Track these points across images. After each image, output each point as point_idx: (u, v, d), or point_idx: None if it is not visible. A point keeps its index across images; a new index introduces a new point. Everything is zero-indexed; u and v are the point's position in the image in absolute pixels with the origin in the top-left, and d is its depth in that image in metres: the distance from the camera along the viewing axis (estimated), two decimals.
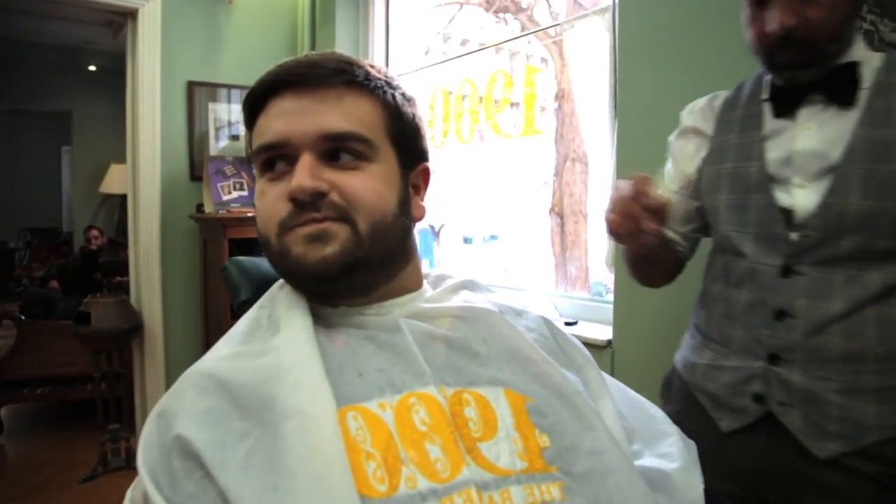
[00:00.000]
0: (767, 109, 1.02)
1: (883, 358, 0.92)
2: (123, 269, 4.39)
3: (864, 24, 1.33)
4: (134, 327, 2.93)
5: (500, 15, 3.71)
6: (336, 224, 0.66)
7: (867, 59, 0.95)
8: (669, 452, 0.76)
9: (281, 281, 0.75)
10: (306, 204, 0.65)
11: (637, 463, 0.73)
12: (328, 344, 0.66)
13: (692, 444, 0.80)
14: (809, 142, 0.95)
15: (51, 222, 8.11)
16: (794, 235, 0.95)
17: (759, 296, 0.99)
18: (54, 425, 3.75)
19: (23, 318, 3.55)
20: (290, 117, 0.67)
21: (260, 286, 0.73)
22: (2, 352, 3.41)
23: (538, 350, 0.73)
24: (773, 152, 0.99)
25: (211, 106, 3.16)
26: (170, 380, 3.12)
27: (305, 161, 0.66)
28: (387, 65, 3.19)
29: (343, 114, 0.68)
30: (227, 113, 3.21)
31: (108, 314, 2.81)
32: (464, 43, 3.67)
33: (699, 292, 1.18)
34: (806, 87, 0.96)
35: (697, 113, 1.14)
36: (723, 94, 1.12)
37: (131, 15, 2.98)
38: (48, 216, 8.13)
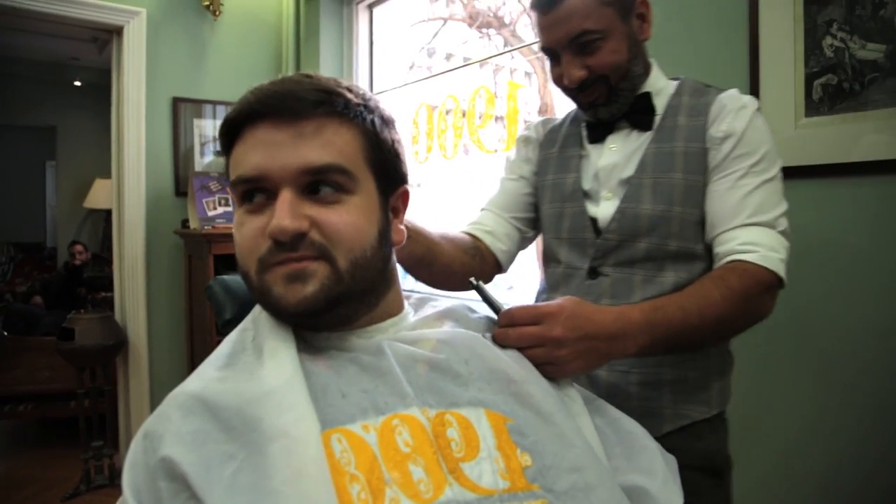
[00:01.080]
0: (585, 134, 1.13)
1: None
2: (108, 284, 4.36)
3: (835, 42, 1.37)
4: (118, 343, 2.91)
5: (484, 30, 3.75)
6: (315, 262, 0.66)
7: (664, 87, 1.07)
8: (649, 467, 0.77)
9: None
10: (286, 243, 0.65)
11: (617, 479, 0.74)
12: (312, 366, 0.67)
13: (671, 458, 0.81)
14: (611, 158, 1.07)
15: (35, 237, 8.02)
16: (598, 240, 1.05)
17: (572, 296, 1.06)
18: (36, 443, 3.71)
19: (5, 333, 3.52)
20: (269, 149, 0.66)
21: (244, 305, 0.74)
22: None
23: (518, 369, 0.74)
24: (585, 169, 1.11)
25: (196, 122, 3.17)
26: (154, 396, 3.09)
27: (286, 198, 0.65)
28: (371, 80, 3.21)
29: (322, 145, 0.67)
30: (212, 129, 3.21)
31: (92, 330, 2.80)
32: (448, 58, 3.70)
33: None
34: (612, 119, 1.07)
35: (532, 128, 1.25)
36: (554, 119, 1.24)
37: (117, 32, 2.99)
38: (32, 231, 8.04)
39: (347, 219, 0.68)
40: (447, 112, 2.62)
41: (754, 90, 1.49)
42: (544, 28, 1.03)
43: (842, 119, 1.36)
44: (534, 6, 1.03)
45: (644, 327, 0.80)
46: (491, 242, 1.19)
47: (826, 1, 1.37)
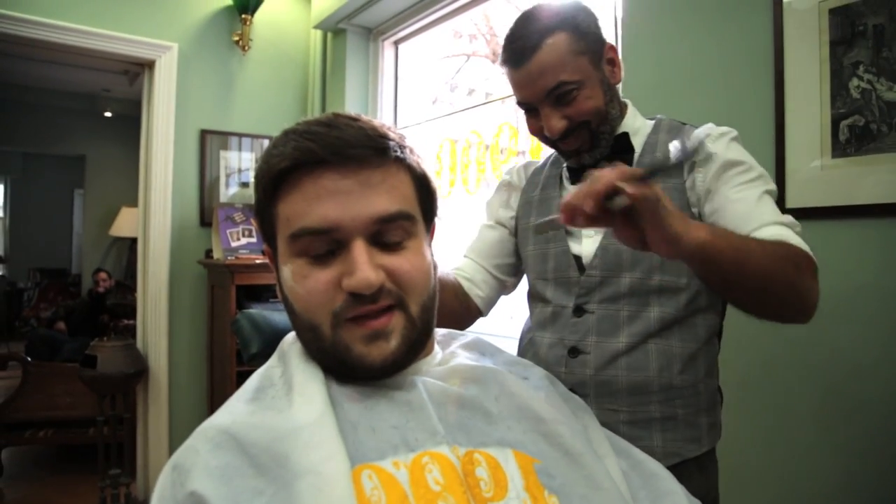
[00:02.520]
0: (566, 175, 1.14)
1: (665, 388, 1.00)
2: (130, 312, 4.41)
3: (862, 83, 1.37)
4: (139, 372, 2.92)
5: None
6: (392, 316, 0.67)
7: (641, 127, 1.09)
8: None
9: (290, 337, 0.76)
10: (366, 296, 0.65)
11: None
12: (342, 400, 0.66)
13: (698, 502, 0.79)
14: None
15: (60, 263, 8.18)
16: (582, 277, 1.05)
17: (558, 336, 1.07)
18: (55, 469, 3.71)
19: (28, 359, 3.55)
20: (338, 199, 0.65)
21: (271, 339, 0.74)
22: (7, 393, 3.41)
23: (549, 409, 0.73)
24: None
25: (222, 153, 3.22)
26: (173, 425, 3.10)
27: (362, 251, 0.65)
28: (395, 115, 3.26)
29: (390, 191, 0.68)
30: (238, 161, 3.27)
31: (115, 358, 2.81)
32: (470, 93, 3.75)
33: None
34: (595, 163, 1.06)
35: (514, 172, 1.26)
36: (535, 162, 1.25)
37: (149, 65, 3.07)
38: (58, 257, 8.21)
39: (416, 263, 0.69)
40: (470, 147, 2.65)
41: (779, 131, 1.49)
42: (518, 83, 1.02)
43: (869, 160, 1.35)
44: (505, 62, 1.03)
45: (703, 226, 0.79)
46: (469, 289, 1.20)
47: (852, 43, 1.38)
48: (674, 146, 0.78)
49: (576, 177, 1.10)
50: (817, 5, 1.43)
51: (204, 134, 3.17)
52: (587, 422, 0.80)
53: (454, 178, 2.71)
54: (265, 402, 0.67)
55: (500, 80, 3.67)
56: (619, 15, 1.90)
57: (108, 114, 6.65)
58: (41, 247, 8.14)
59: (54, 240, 8.26)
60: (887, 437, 1.33)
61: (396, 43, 3.27)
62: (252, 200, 2.94)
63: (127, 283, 6.04)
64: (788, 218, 0.96)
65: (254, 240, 3.05)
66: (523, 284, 1.26)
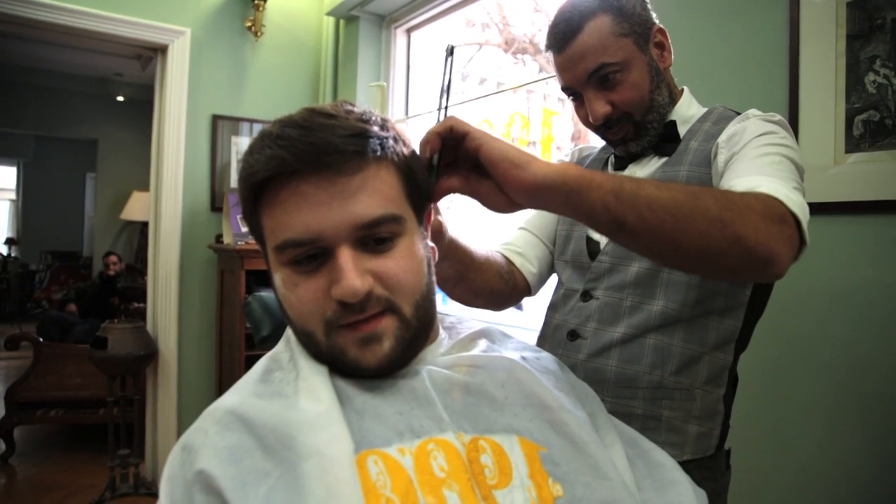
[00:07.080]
0: (612, 161, 1.13)
1: (654, 386, 0.96)
2: (140, 295, 4.45)
3: (878, 78, 1.36)
4: (149, 354, 2.95)
5: (519, 56, 3.78)
6: (383, 319, 0.66)
7: (694, 115, 1.05)
8: (679, 502, 0.75)
9: None
10: (355, 304, 0.64)
11: None
12: (347, 388, 0.67)
13: (702, 492, 0.79)
14: None
15: (72, 246, 8.26)
16: (594, 263, 1.04)
17: (564, 318, 1.07)
18: (65, 448, 3.76)
19: (41, 339, 3.60)
20: (317, 209, 0.63)
21: (282, 323, 0.74)
22: (19, 373, 3.46)
23: (555, 396, 0.73)
24: None
25: (233, 139, 3.23)
26: (182, 407, 3.13)
27: (347, 258, 0.64)
28: (406, 103, 3.25)
29: (370, 195, 0.65)
30: None
31: (125, 340, 2.84)
32: (482, 82, 3.73)
33: None
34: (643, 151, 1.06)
35: (572, 153, 1.26)
36: (594, 147, 1.23)
37: (161, 50, 3.08)
38: (70, 240, 8.29)
39: (404, 264, 0.67)
40: None
41: (793, 125, 1.47)
42: (562, 68, 1.01)
43: (883, 156, 1.34)
44: (549, 47, 1.03)
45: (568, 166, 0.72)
46: (521, 264, 1.17)
47: (870, 37, 1.36)
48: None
49: (619, 163, 1.09)
50: None
51: (216, 119, 3.18)
52: (594, 409, 0.80)
53: None
54: (273, 386, 0.68)
55: (512, 70, 3.65)
56: None
57: (120, 98, 6.68)
58: (53, 230, 8.22)
59: (66, 223, 8.33)
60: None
61: (409, 31, 3.26)
62: None
63: (137, 266, 6.09)
64: (788, 175, 0.83)
65: None
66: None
